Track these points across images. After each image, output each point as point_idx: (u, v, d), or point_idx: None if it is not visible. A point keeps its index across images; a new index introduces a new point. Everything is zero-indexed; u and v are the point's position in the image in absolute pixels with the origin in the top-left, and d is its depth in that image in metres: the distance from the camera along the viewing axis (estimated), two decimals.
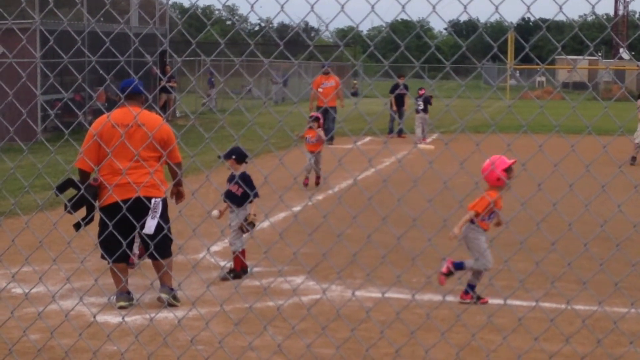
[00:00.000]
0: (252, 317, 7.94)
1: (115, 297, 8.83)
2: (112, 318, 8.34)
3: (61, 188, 8.47)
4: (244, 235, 10.21)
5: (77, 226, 8.47)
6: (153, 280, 8.92)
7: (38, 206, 6.72)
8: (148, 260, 9.62)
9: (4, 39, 6.44)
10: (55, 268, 7.92)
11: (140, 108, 8.97)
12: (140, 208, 8.38)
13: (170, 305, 8.85)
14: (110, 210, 8.31)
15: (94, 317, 6.35)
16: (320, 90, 26.64)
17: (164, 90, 34.41)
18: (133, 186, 8.35)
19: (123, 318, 6.93)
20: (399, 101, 31.85)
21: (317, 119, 17.58)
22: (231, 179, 10.24)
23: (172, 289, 9.05)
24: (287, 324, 7.94)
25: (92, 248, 6.31)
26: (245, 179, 10.10)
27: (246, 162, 10.26)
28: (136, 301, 8.87)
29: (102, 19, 31.40)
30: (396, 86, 31.13)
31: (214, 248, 11.61)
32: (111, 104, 31.33)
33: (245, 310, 8.45)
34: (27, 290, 6.98)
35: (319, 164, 17.93)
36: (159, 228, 8.72)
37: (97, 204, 8.62)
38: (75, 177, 8.74)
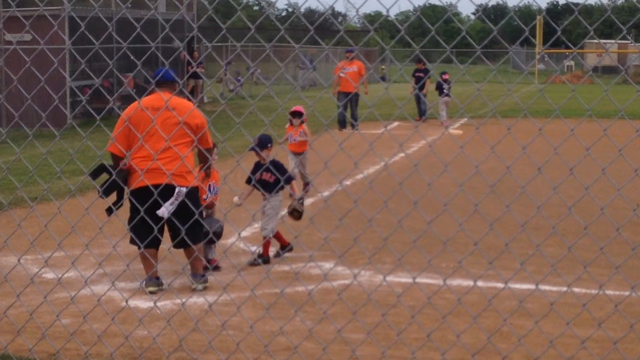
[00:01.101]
0: (283, 302, 7.97)
1: (144, 282, 8.90)
2: (142, 303, 8.38)
3: (94, 173, 8.50)
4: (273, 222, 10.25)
5: (109, 211, 8.54)
6: (184, 266, 8.98)
7: (70, 191, 6.76)
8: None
9: (34, 25, 6.45)
10: (87, 253, 7.96)
11: (170, 95, 8.98)
12: (167, 194, 8.41)
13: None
14: (138, 194, 8.30)
15: (126, 301, 6.39)
16: (341, 75, 26.36)
17: (193, 76, 34.42)
18: (162, 172, 8.36)
19: (155, 303, 6.97)
20: (419, 87, 31.82)
21: (298, 114, 14.43)
22: (257, 168, 10.26)
23: (202, 275, 9.10)
24: (317, 308, 7.95)
25: (123, 233, 6.35)
26: (277, 165, 10.13)
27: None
28: (167, 286, 8.91)
29: (130, 4, 31.46)
30: (416, 71, 31.15)
31: (244, 234, 11.64)
32: (140, 90, 31.41)
33: (275, 295, 8.47)
34: (59, 276, 7.03)
35: (305, 168, 15.13)
36: (183, 215, 8.51)
37: (126, 189, 8.68)
38: (107, 163, 8.79)
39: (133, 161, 8.79)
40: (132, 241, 8.80)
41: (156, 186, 8.00)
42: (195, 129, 8.97)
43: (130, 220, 8.66)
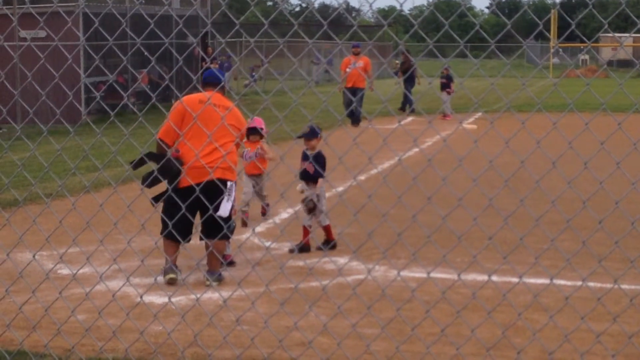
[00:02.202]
0: (297, 298, 7.96)
1: (163, 270, 9.15)
2: (157, 298, 8.39)
3: (138, 164, 8.65)
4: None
5: (156, 199, 8.78)
6: (199, 261, 8.99)
7: (84, 187, 6.77)
8: (194, 242, 9.63)
9: (49, 21, 6.48)
10: (101, 249, 7.98)
11: (222, 95, 9.55)
12: (212, 191, 8.44)
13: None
14: (184, 192, 8.35)
15: (141, 297, 6.39)
16: (348, 70, 26.21)
17: None
18: (207, 169, 8.61)
19: (169, 298, 6.97)
20: (409, 81, 31.96)
21: (255, 131, 11.70)
22: (305, 157, 10.45)
23: (219, 274, 9.17)
24: (332, 304, 7.96)
25: (138, 229, 6.37)
26: (319, 159, 10.32)
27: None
28: (182, 281, 8.93)
29: (144, 0, 31.51)
30: (406, 64, 31.59)
31: (258, 229, 11.65)
32: (154, 87, 31.48)
33: (290, 290, 8.48)
34: (74, 271, 7.05)
35: (262, 192, 12.40)
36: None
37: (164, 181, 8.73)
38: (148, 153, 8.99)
39: (186, 156, 8.93)
40: (165, 232, 8.86)
41: (200, 184, 8.06)
42: (242, 122, 9.52)
43: (168, 213, 8.63)
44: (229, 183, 9.08)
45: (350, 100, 25.39)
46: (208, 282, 9.07)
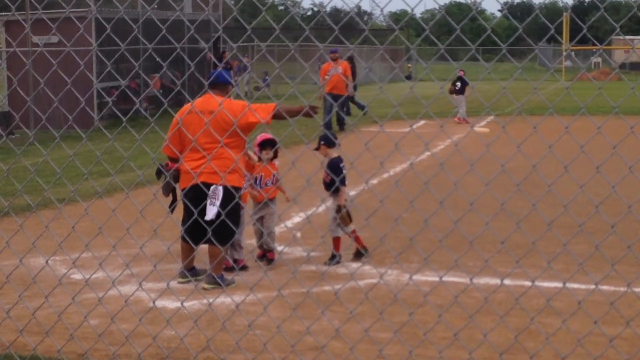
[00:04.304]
0: (310, 302, 7.97)
1: (179, 273, 9.35)
2: (170, 303, 8.40)
3: (158, 173, 9.23)
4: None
5: (171, 207, 9.19)
6: (212, 267, 9.00)
7: (97, 193, 6.80)
8: (205, 246, 9.70)
9: (61, 27, 6.50)
10: (114, 254, 8.00)
11: (223, 97, 9.22)
12: (201, 195, 8.61)
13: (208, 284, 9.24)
14: (188, 193, 8.89)
15: (153, 302, 6.41)
16: (327, 77, 25.64)
17: None
18: (205, 172, 8.77)
19: (182, 303, 6.98)
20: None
21: (270, 143, 10.11)
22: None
23: (220, 277, 9.26)
24: (344, 308, 7.96)
25: (150, 234, 6.37)
26: (333, 166, 10.08)
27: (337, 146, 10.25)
28: (194, 287, 8.94)
29: (156, 6, 31.56)
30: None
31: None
32: (166, 91, 31.54)
33: (302, 294, 8.48)
34: (87, 276, 7.07)
35: (270, 224, 10.26)
36: (219, 215, 8.61)
37: (177, 187, 9.22)
38: (162, 162, 9.38)
39: (186, 162, 9.00)
40: (184, 237, 9.06)
41: (196, 186, 8.62)
42: (244, 126, 8.94)
43: (183, 217, 9.14)
44: (212, 187, 8.93)
45: (331, 106, 24.73)
46: (207, 286, 9.12)
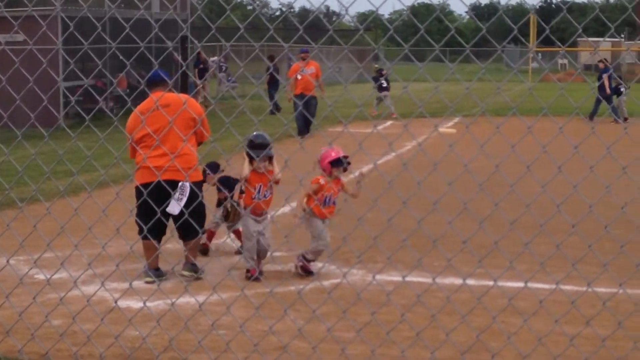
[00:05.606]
0: (273, 302, 7.97)
1: (145, 272, 9.44)
2: (134, 303, 8.38)
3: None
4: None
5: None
6: (174, 266, 8.98)
7: (60, 192, 6.76)
8: (170, 246, 9.83)
9: (26, 25, 6.47)
10: (77, 254, 7.96)
11: (167, 92, 9.45)
12: (166, 191, 8.66)
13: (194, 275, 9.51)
14: (146, 189, 8.65)
15: (116, 302, 6.38)
16: (298, 77, 25.19)
17: (199, 76, 34.57)
18: (169, 168, 8.91)
19: (144, 303, 6.96)
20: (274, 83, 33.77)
21: (340, 162, 9.69)
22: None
23: (193, 264, 9.54)
24: (308, 308, 7.96)
25: (114, 234, 6.34)
26: (223, 182, 10.45)
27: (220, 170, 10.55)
28: (158, 287, 8.92)
29: (123, 4, 31.41)
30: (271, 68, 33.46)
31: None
32: (133, 90, 31.39)
33: (266, 294, 8.48)
34: (48, 276, 7.03)
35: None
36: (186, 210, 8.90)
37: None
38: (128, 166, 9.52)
39: (147, 160, 9.10)
40: (141, 232, 9.02)
41: (165, 182, 8.53)
42: (197, 114, 9.43)
43: (137, 212, 9.03)
44: (180, 184, 9.20)
45: (302, 111, 24.12)
46: (187, 273, 9.44)
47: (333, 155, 9.54)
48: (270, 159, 9.45)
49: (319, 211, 9.56)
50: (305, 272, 9.62)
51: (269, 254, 9.82)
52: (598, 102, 28.78)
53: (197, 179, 9.47)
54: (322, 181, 9.47)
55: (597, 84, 29.10)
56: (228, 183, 10.32)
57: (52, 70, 7.08)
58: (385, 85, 32.30)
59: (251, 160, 9.34)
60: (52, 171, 15.13)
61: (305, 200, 9.58)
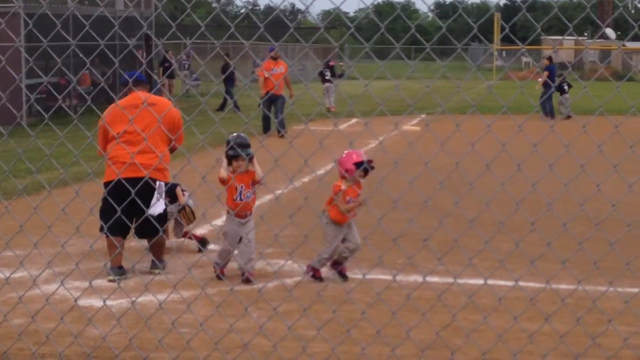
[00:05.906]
0: (235, 300, 7.97)
1: (108, 270, 9.31)
2: (96, 302, 8.34)
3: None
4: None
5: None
6: (134, 265, 8.94)
7: (19, 191, 6.72)
8: (133, 244, 9.87)
9: None
10: (37, 253, 7.91)
11: (147, 93, 9.89)
12: (145, 189, 8.67)
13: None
14: (116, 186, 8.68)
15: (76, 301, 6.35)
16: (267, 76, 24.83)
17: (169, 75, 34.56)
18: (139, 167, 8.67)
19: (104, 302, 6.92)
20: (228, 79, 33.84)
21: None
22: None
23: (162, 261, 9.72)
24: (270, 305, 7.96)
25: (74, 232, 6.30)
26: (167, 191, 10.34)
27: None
28: (118, 286, 8.89)
29: (87, 2, 31.24)
30: (226, 66, 34.22)
31: (200, 231, 11.60)
32: (96, 88, 31.22)
33: (227, 292, 8.47)
34: (7, 275, 6.99)
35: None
36: (165, 209, 9.54)
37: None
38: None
39: (113, 158, 9.24)
40: (102, 229, 9.25)
41: (134, 179, 8.12)
42: (172, 126, 9.55)
43: (103, 209, 9.25)
44: (158, 182, 9.35)
45: (269, 106, 24.28)
46: (157, 271, 9.55)
47: (355, 157, 9.22)
48: (250, 159, 9.29)
49: (339, 217, 9.28)
50: (315, 279, 9.49)
51: (252, 263, 9.39)
52: (549, 99, 29.25)
53: (167, 180, 9.58)
54: (343, 187, 9.20)
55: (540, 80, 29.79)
56: (169, 190, 10.24)
57: (14, 68, 7.01)
58: (328, 77, 32.66)
59: (230, 162, 9.27)
60: (13, 169, 15.03)
61: (327, 205, 9.36)
